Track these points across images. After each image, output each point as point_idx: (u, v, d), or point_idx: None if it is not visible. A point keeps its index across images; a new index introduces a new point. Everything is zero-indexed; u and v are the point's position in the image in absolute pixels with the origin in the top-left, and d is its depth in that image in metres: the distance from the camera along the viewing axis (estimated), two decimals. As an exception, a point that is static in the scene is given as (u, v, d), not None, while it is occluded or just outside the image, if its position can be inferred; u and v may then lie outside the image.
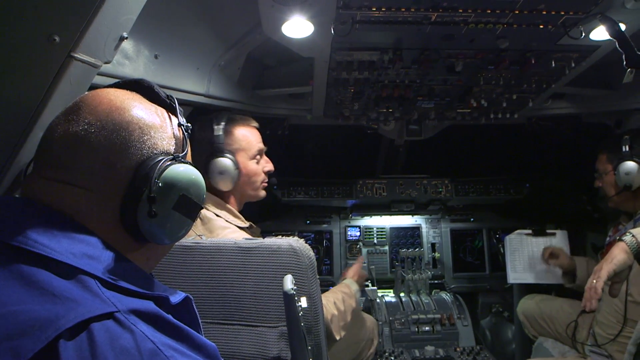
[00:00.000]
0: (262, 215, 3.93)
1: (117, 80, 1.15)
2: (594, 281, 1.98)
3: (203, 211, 2.12)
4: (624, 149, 2.68)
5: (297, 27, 2.03)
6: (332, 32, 2.01)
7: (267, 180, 2.48)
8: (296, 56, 2.41)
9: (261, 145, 2.42)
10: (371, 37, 2.22)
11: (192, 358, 0.87)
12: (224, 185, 2.24)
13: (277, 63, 2.95)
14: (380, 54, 2.36)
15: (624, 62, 1.94)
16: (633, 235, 1.96)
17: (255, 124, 2.47)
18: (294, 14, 1.91)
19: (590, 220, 3.69)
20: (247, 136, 2.37)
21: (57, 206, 0.95)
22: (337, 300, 2.39)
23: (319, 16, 1.94)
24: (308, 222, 4.23)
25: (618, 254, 1.95)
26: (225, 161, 2.22)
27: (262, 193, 2.48)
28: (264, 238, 1.73)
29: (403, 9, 1.91)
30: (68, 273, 0.86)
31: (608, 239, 2.99)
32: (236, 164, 2.27)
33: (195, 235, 1.84)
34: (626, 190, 2.68)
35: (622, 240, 1.99)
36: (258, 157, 2.40)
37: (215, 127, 2.28)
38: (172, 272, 1.70)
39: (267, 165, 2.47)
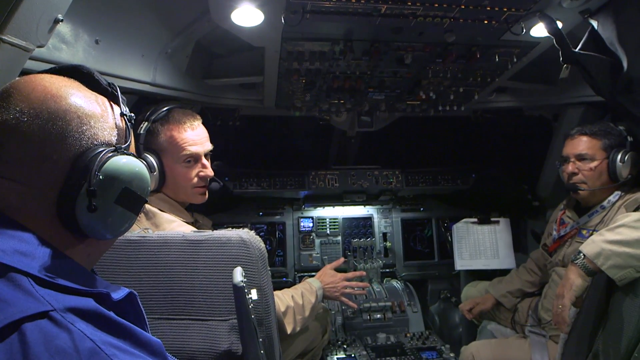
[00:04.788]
0: (213, 207, 3.85)
1: (53, 66, 1.08)
2: (559, 307, 2.14)
3: (147, 206, 2.05)
4: (628, 139, 2.54)
5: (247, 15, 1.99)
6: (283, 21, 1.99)
7: (203, 185, 2.29)
8: (247, 45, 2.37)
9: (195, 149, 2.20)
10: (322, 28, 2.21)
11: (135, 355, 0.84)
12: None
13: (227, 52, 2.88)
14: (331, 45, 2.36)
15: (561, 59, 2.06)
16: (584, 257, 2.08)
17: (195, 123, 2.25)
18: (244, 2, 1.88)
19: (530, 208, 3.90)
20: (175, 138, 2.17)
21: (-15, 201, 0.89)
22: (295, 295, 2.38)
23: (269, 4, 1.91)
24: (260, 213, 4.20)
25: (575, 280, 2.10)
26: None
27: (199, 198, 2.30)
28: (214, 230, 1.70)
29: (353, 0, 1.92)
30: None
31: (555, 234, 2.85)
32: (154, 166, 2.11)
33: (140, 230, 1.78)
34: (615, 182, 2.53)
35: (574, 263, 2.12)
36: (190, 160, 2.21)
37: (143, 124, 2.14)
38: (117, 268, 1.64)
39: (203, 170, 2.25)
